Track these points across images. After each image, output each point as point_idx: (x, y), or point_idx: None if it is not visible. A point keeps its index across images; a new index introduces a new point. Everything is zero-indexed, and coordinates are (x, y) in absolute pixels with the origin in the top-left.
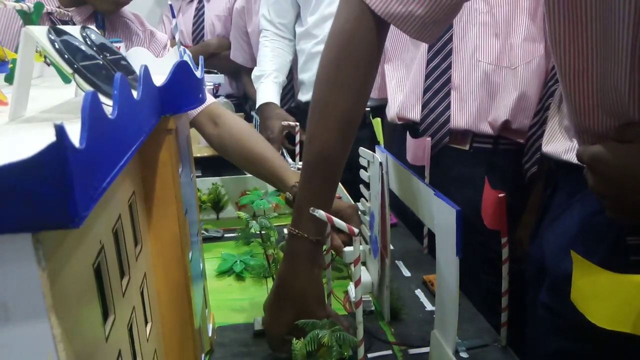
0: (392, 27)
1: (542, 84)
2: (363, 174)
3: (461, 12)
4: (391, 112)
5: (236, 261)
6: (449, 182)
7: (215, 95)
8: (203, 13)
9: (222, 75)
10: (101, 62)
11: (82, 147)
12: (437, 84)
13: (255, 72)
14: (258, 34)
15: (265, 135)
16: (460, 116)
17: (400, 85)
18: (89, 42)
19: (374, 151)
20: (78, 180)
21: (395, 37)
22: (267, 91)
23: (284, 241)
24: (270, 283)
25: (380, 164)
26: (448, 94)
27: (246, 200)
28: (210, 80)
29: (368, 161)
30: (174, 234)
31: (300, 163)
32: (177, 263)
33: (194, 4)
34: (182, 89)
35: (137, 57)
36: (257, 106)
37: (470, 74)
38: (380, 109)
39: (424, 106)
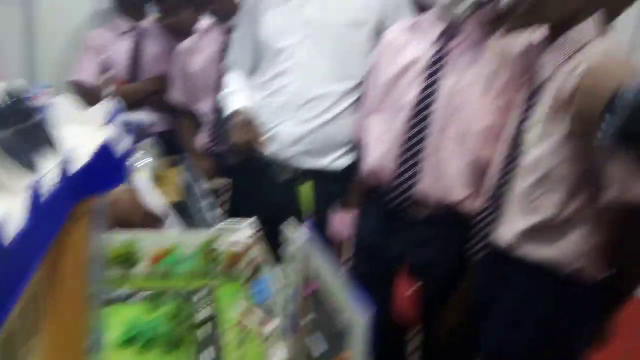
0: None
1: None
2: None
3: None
4: (368, 164)
5: (143, 329)
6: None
7: (145, 137)
8: (141, 49)
9: (152, 115)
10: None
11: None
12: (413, 149)
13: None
14: (200, 75)
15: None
16: (423, 183)
17: (380, 139)
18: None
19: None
20: None
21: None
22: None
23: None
24: (181, 354)
25: (301, 245)
26: (420, 161)
27: (165, 266)
28: (141, 121)
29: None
30: (75, 324)
31: None
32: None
33: (127, 37)
34: (102, 172)
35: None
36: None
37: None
38: (312, 173)
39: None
